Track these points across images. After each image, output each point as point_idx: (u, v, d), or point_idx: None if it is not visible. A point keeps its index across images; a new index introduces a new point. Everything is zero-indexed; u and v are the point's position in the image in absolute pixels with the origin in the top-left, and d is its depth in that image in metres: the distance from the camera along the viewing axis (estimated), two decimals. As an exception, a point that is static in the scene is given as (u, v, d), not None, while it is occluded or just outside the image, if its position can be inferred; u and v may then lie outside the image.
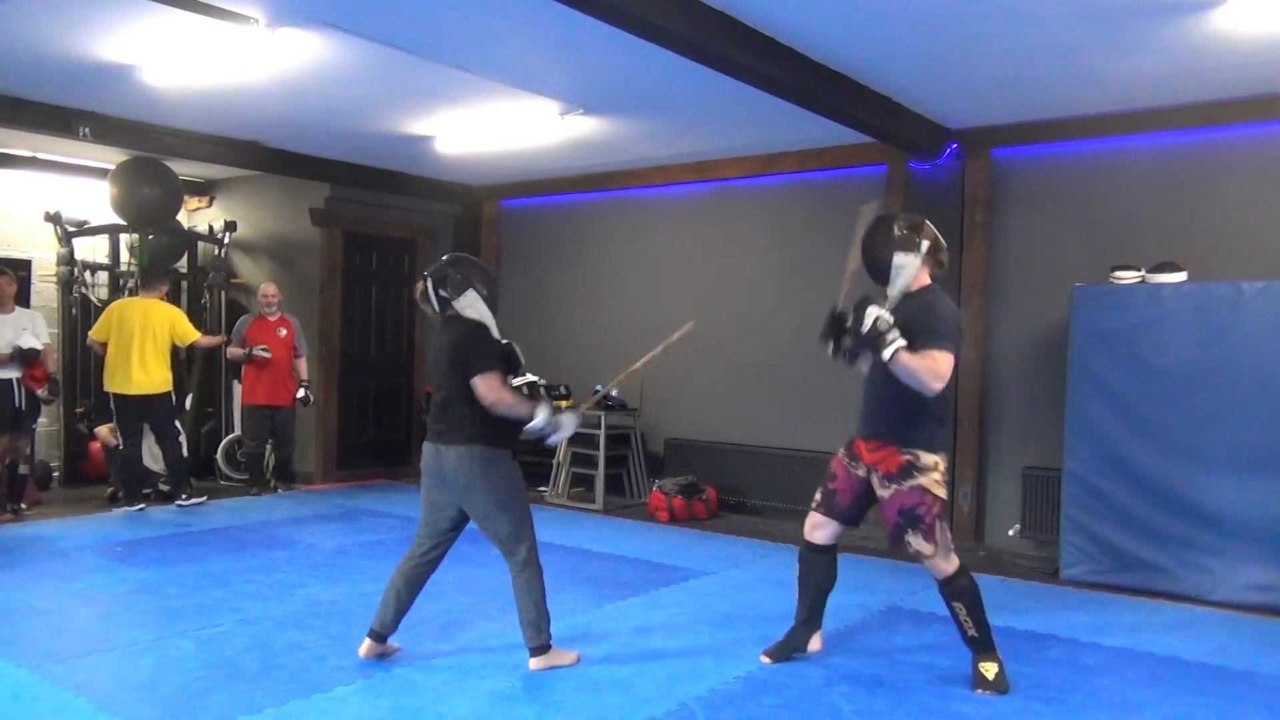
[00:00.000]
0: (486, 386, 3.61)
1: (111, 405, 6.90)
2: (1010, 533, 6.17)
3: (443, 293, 3.71)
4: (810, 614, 3.90)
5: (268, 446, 8.14)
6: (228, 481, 8.15)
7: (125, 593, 4.80)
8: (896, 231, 3.56)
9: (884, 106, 5.69)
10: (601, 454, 7.48)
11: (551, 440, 3.75)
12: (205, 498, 7.17)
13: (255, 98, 6.08)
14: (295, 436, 7.96)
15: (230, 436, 8.39)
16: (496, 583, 5.11)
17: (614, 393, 7.21)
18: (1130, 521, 5.27)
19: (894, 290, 3.56)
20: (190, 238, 8.78)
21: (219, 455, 8.28)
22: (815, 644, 3.97)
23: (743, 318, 7.57)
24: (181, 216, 8.84)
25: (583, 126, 6.59)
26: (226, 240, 8.61)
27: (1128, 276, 5.39)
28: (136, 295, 7.37)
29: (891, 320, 3.40)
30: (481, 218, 9.26)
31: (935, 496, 3.52)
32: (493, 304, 3.78)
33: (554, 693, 3.51)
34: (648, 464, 7.88)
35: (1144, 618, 4.74)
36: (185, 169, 8.48)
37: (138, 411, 6.88)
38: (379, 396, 9.02)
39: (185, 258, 8.80)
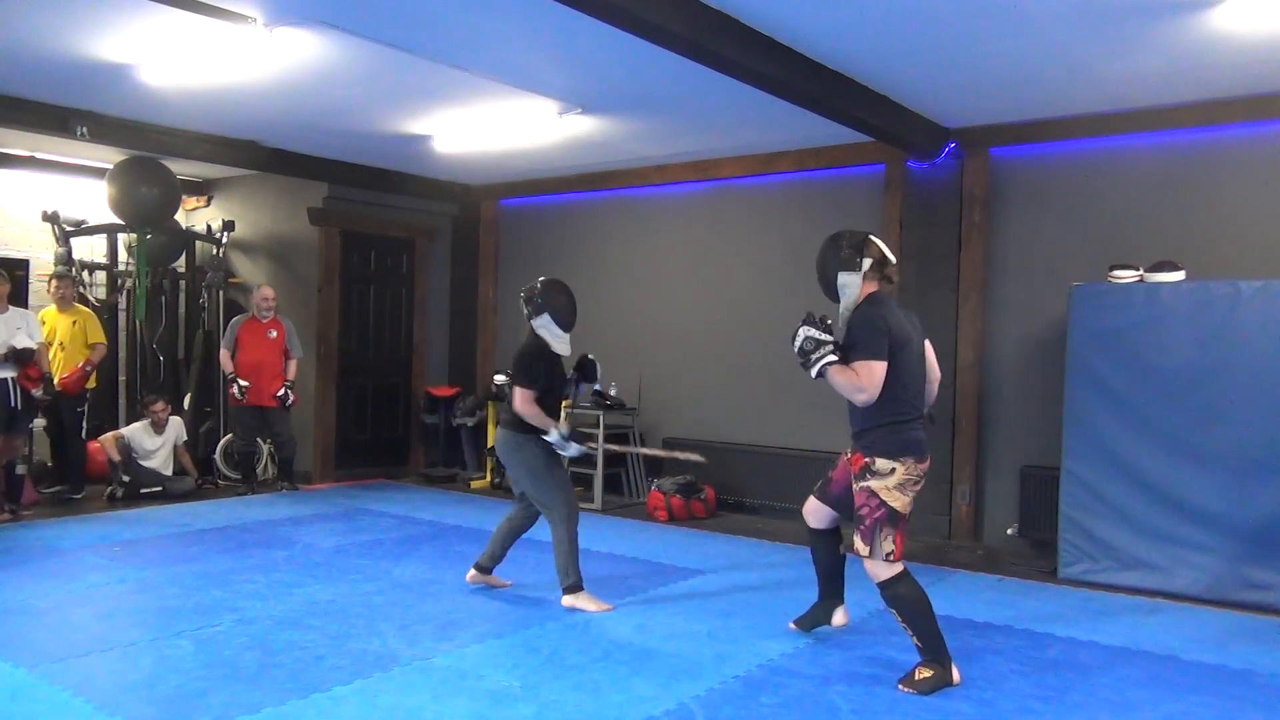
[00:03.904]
0: (518, 397, 4.51)
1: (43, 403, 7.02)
2: (1009, 532, 6.17)
3: (526, 309, 4.63)
4: (824, 591, 4.20)
5: (265, 446, 8.14)
6: (226, 481, 8.14)
7: (123, 592, 4.80)
8: (841, 252, 3.73)
9: (882, 106, 5.69)
10: (600, 453, 7.48)
11: (566, 453, 4.60)
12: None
13: (253, 97, 6.07)
14: (294, 435, 7.94)
15: (229, 436, 8.38)
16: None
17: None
18: (1128, 520, 5.28)
19: (843, 305, 3.74)
20: (188, 237, 8.79)
21: (217, 455, 8.27)
22: (839, 618, 4.20)
23: (741, 317, 7.58)
24: (179, 216, 8.83)
25: (581, 126, 6.59)
26: (224, 240, 8.61)
27: (1126, 276, 5.39)
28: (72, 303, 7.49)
29: (820, 338, 3.62)
30: (480, 217, 9.25)
31: (881, 501, 3.60)
32: (565, 326, 4.60)
33: (553, 692, 3.51)
34: (646, 463, 7.88)
35: (1142, 617, 4.74)
36: (183, 168, 8.48)
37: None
38: (377, 396, 9.02)
39: (183, 257, 8.81)
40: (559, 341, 4.59)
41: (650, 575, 5.31)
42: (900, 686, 3.61)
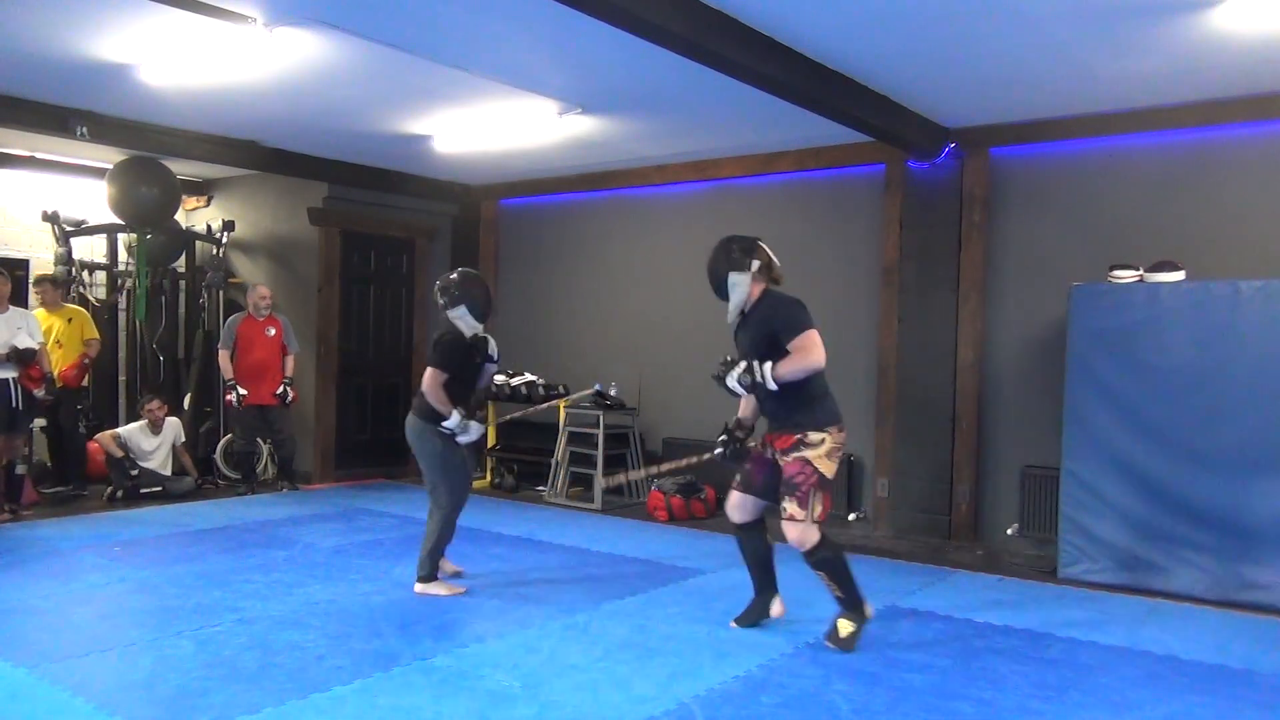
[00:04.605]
0: (428, 376, 4.67)
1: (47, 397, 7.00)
2: (1009, 531, 6.17)
3: (441, 300, 4.73)
4: (761, 584, 4.39)
5: (265, 446, 8.14)
6: (226, 481, 8.13)
7: (123, 592, 4.80)
8: (732, 254, 4.06)
9: (882, 106, 5.69)
10: (600, 453, 7.48)
11: (460, 439, 4.73)
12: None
13: (253, 97, 6.07)
14: (293, 434, 7.94)
15: (229, 436, 8.38)
16: (496, 582, 5.12)
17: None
18: (1128, 520, 5.28)
19: (732, 303, 4.08)
20: (188, 237, 8.78)
21: (217, 454, 8.26)
22: (777, 609, 4.39)
23: (741, 317, 7.56)
24: (179, 216, 8.83)
25: (581, 126, 6.59)
26: (224, 240, 8.61)
27: (1126, 276, 5.39)
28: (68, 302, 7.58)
29: (744, 367, 3.93)
30: (480, 217, 9.25)
31: (815, 469, 3.94)
32: (481, 317, 4.73)
33: (553, 692, 3.51)
34: (646, 463, 7.87)
35: (1142, 616, 4.74)
36: (183, 168, 8.48)
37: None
38: (377, 396, 9.02)
39: (183, 257, 8.81)
40: (471, 329, 4.77)
41: (650, 575, 5.31)
42: (828, 644, 4.01)
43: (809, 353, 3.84)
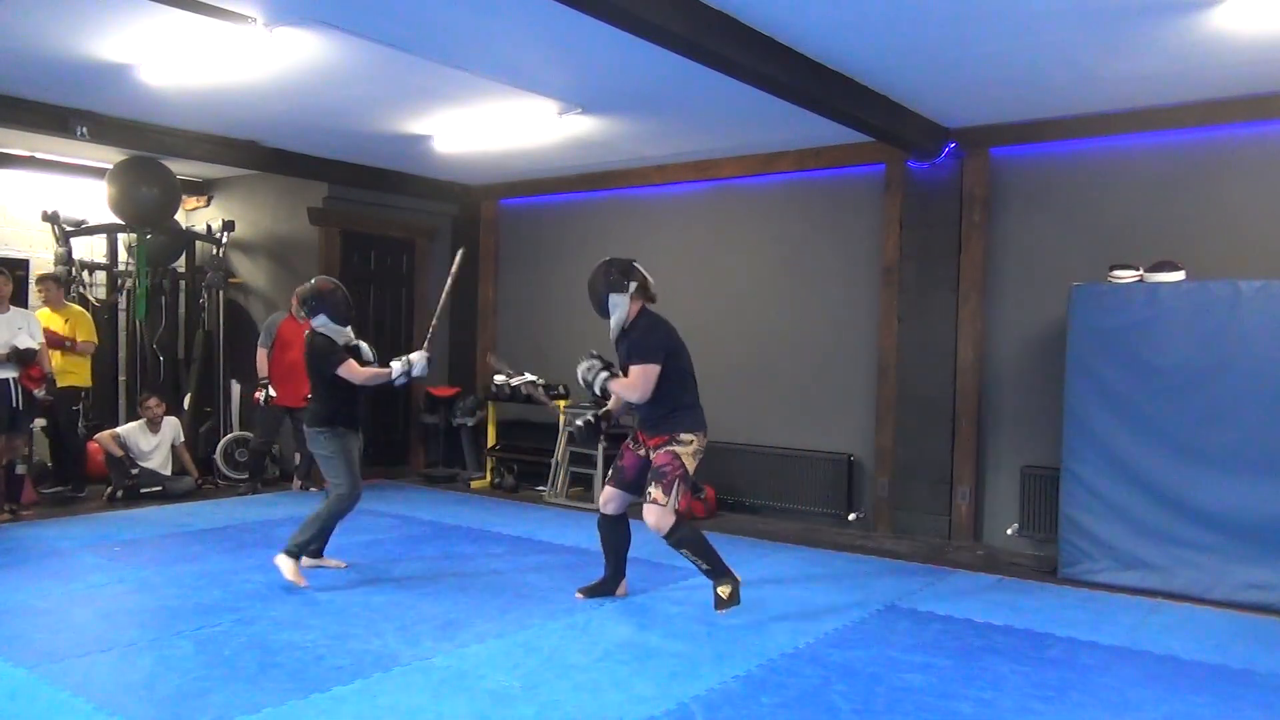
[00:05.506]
0: (347, 372, 4.84)
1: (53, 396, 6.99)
2: (1009, 532, 6.17)
3: (303, 313, 4.97)
4: (615, 569, 4.79)
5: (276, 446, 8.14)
6: (226, 481, 8.13)
7: (123, 592, 4.80)
8: (611, 277, 4.43)
9: (882, 106, 5.69)
10: (600, 454, 7.48)
11: (416, 374, 4.99)
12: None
13: (253, 97, 6.07)
14: None
15: (229, 436, 8.38)
16: (496, 582, 5.12)
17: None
18: (1128, 520, 5.28)
19: (613, 322, 4.47)
20: (188, 237, 8.78)
21: (217, 454, 8.26)
22: (621, 590, 4.84)
23: (740, 317, 7.57)
24: (179, 216, 8.83)
25: (581, 126, 6.59)
26: (224, 240, 8.61)
27: (1126, 276, 5.39)
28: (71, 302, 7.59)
29: (596, 366, 4.46)
30: (480, 217, 9.25)
31: (681, 463, 4.36)
32: (343, 321, 4.95)
33: (553, 692, 3.51)
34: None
35: (1142, 616, 4.74)
36: (183, 168, 8.47)
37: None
38: (376, 397, 8.95)
39: (183, 257, 8.81)
40: (340, 335, 4.96)
41: (650, 575, 5.30)
42: (719, 611, 4.34)
43: (635, 384, 4.34)
